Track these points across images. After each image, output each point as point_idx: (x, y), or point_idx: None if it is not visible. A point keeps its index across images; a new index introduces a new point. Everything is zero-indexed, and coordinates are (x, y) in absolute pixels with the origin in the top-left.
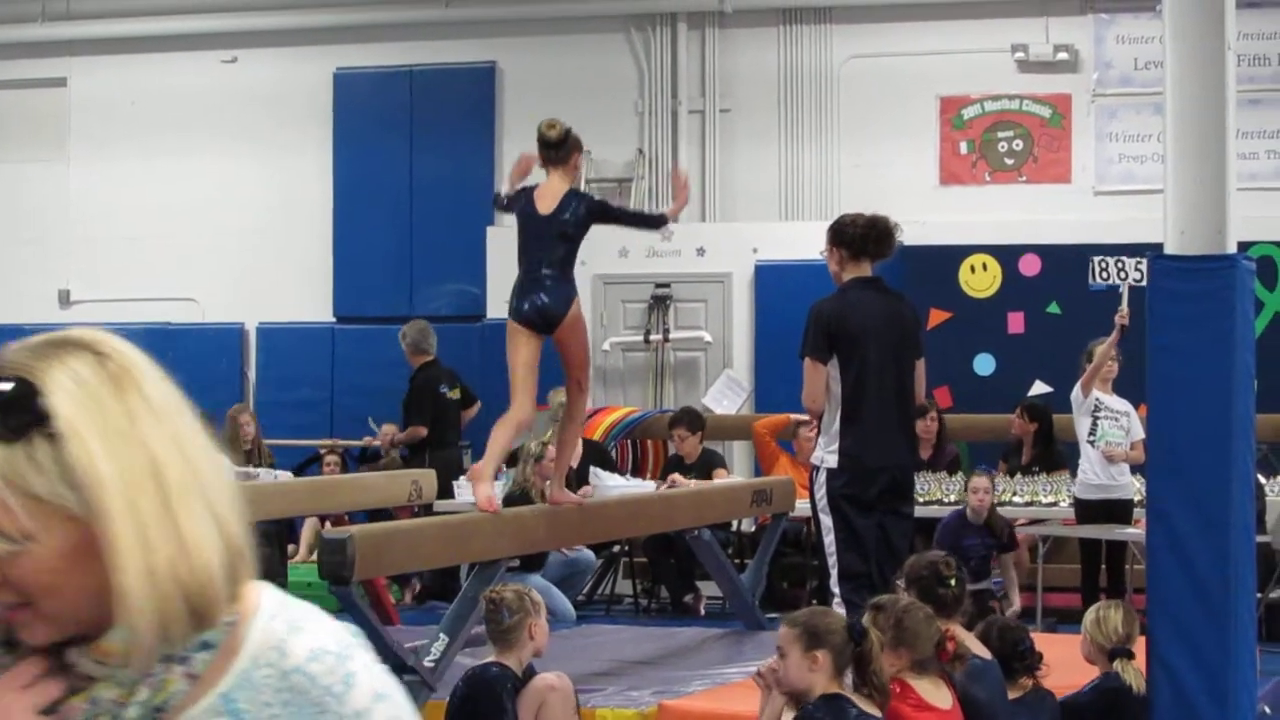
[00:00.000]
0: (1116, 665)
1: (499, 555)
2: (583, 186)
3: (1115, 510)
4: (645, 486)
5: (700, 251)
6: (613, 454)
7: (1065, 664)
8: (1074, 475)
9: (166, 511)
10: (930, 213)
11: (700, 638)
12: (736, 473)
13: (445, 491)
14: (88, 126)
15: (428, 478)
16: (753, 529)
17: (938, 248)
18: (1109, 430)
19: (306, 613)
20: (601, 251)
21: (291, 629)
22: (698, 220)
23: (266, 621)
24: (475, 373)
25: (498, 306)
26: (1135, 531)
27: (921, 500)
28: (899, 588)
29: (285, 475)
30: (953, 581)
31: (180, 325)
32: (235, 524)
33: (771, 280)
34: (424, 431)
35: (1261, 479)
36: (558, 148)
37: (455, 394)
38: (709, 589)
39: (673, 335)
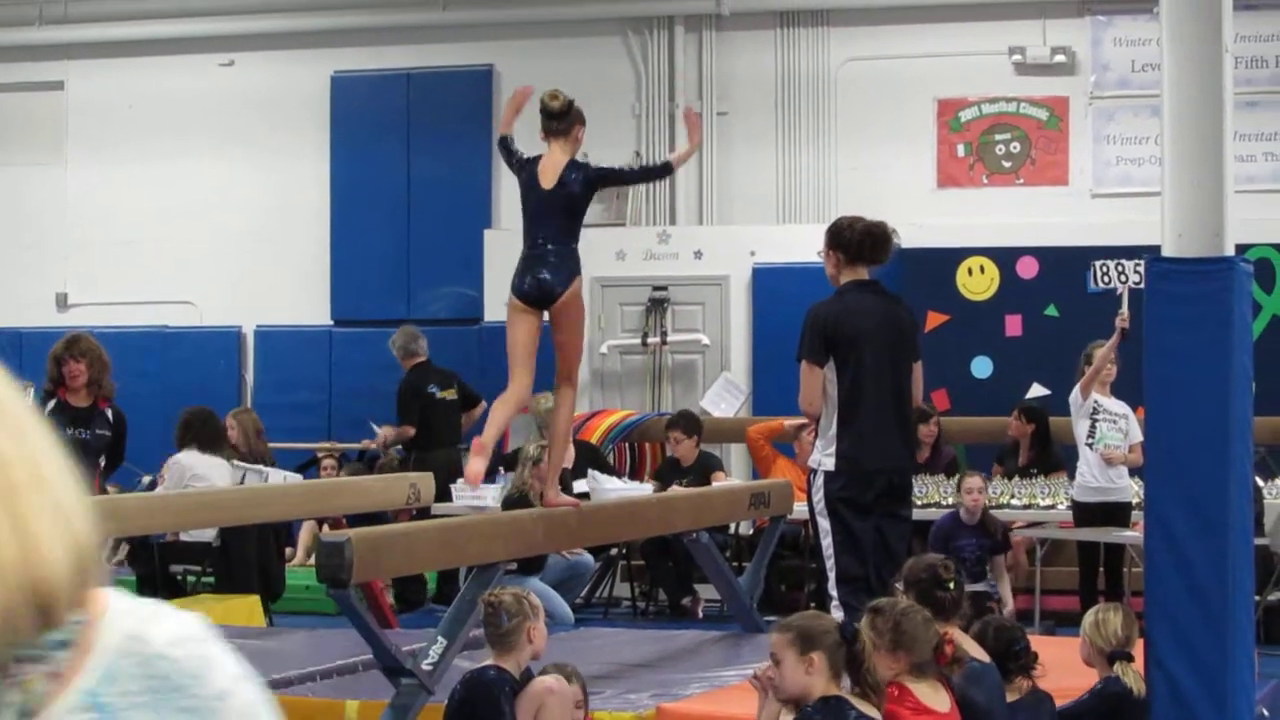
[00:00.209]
0: (1116, 668)
1: (497, 558)
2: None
3: (1113, 513)
4: (643, 489)
5: (698, 254)
6: (610, 457)
7: (1064, 667)
8: (1072, 477)
9: (11, 509)
10: (927, 215)
11: (698, 641)
12: (734, 476)
13: (444, 494)
14: (85, 130)
15: (425, 480)
16: (750, 532)
17: (935, 250)
18: (1107, 433)
19: (159, 605)
20: (599, 254)
21: (147, 619)
22: (695, 223)
23: (120, 616)
24: (474, 375)
25: (496, 309)
26: (1133, 534)
27: (919, 503)
28: (897, 591)
29: (295, 477)
30: (951, 584)
31: (178, 328)
32: (83, 525)
33: (769, 283)
34: (411, 431)
35: (1259, 481)
36: (560, 118)
37: (449, 394)
38: (707, 592)
39: (670, 338)
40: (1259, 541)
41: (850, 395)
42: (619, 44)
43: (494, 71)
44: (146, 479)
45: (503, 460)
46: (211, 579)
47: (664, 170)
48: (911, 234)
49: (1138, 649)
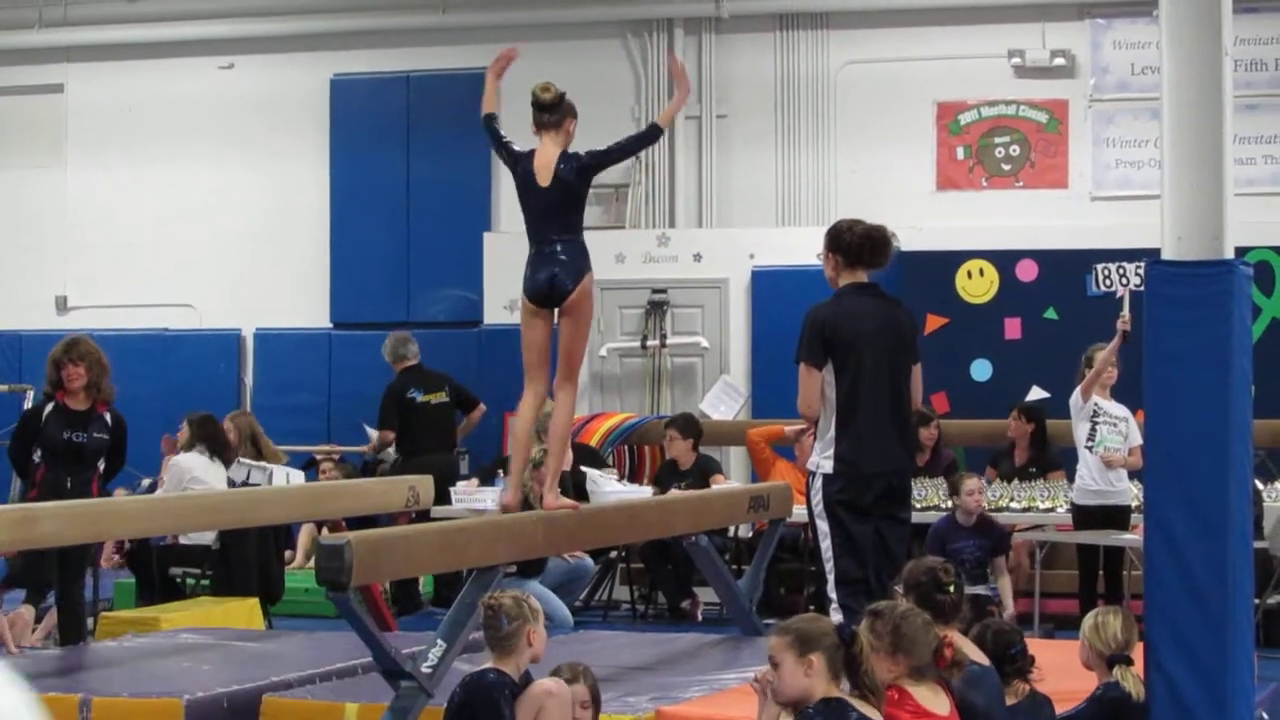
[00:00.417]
0: (1115, 672)
1: (496, 561)
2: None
3: (1113, 516)
4: (642, 492)
5: (697, 257)
6: (610, 460)
7: (1063, 670)
8: (1070, 477)
9: None
10: (927, 218)
11: (697, 644)
12: (733, 478)
13: (443, 497)
14: (85, 132)
15: (424, 483)
16: (750, 535)
17: (934, 253)
18: (1108, 436)
19: None
20: (598, 257)
21: None
22: (695, 226)
23: None
24: (473, 378)
25: (495, 312)
26: (1133, 537)
27: (918, 506)
28: (897, 594)
29: (298, 475)
30: (951, 588)
31: (178, 331)
32: None
33: (768, 286)
34: (390, 436)
35: (1259, 484)
36: (552, 110)
37: (435, 398)
38: (706, 595)
39: (670, 341)
40: (1258, 544)
41: (849, 398)
42: (618, 47)
43: None
44: (146, 481)
45: (502, 463)
46: (211, 582)
47: (653, 133)
48: (911, 237)
49: (1137, 652)
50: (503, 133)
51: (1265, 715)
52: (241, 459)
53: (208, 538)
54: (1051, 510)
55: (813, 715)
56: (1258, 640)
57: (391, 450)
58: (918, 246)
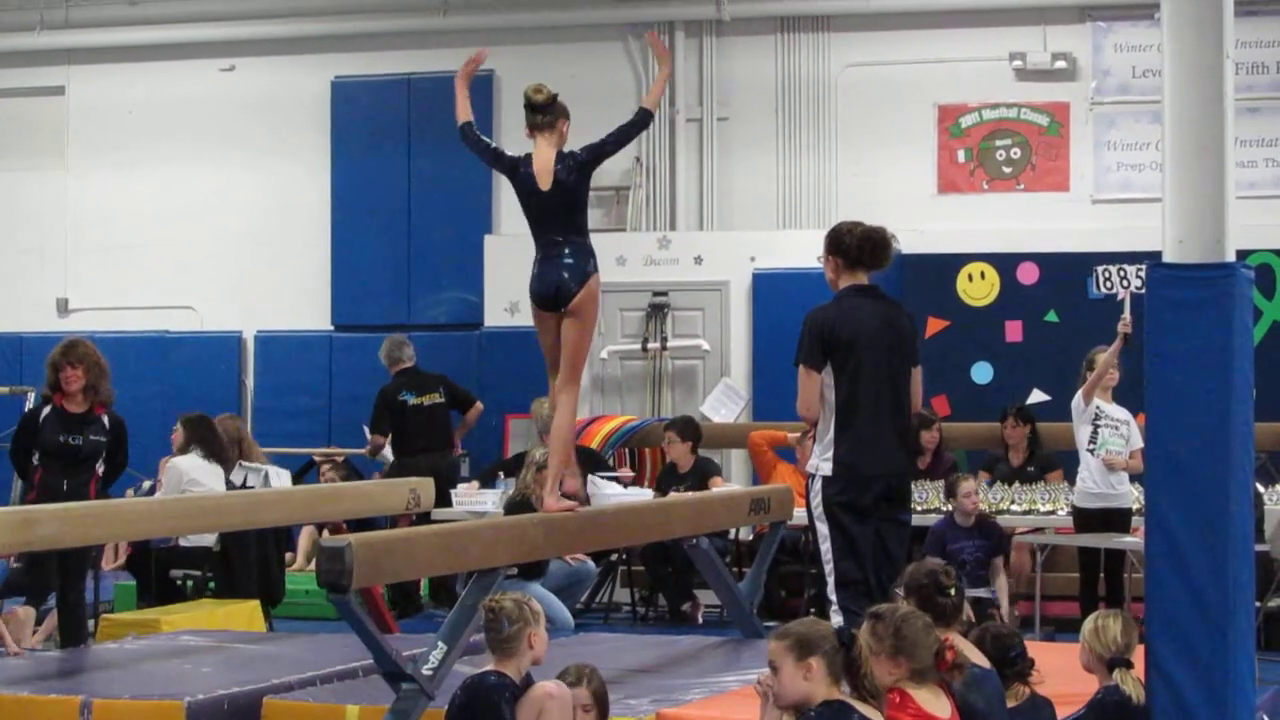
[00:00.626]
0: (1115, 675)
1: (497, 563)
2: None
3: (1114, 519)
4: (643, 495)
5: (698, 260)
6: (611, 462)
7: (1064, 673)
8: (1069, 476)
9: None
10: (928, 221)
11: (698, 646)
12: (734, 481)
13: (443, 500)
14: (86, 135)
15: (425, 485)
16: (751, 537)
17: (935, 256)
18: (1109, 439)
19: None
20: (599, 260)
21: None
22: (695, 228)
23: None
24: (474, 380)
25: (496, 314)
26: (1134, 540)
27: (920, 509)
28: (898, 596)
29: (285, 476)
30: (952, 590)
31: (178, 333)
32: None
33: (769, 289)
34: (382, 440)
35: (1260, 488)
36: (545, 111)
37: (428, 399)
38: (707, 597)
39: (670, 344)
40: (1259, 547)
41: (848, 400)
42: (620, 49)
43: (494, 77)
44: (147, 484)
45: (503, 465)
46: (212, 584)
47: (643, 118)
48: (912, 239)
49: (1137, 655)
50: (486, 138)
51: (1266, 718)
52: (242, 462)
53: (208, 540)
54: (1052, 513)
55: (814, 718)
56: (1258, 643)
57: (388, 452)
58: (918, 249)
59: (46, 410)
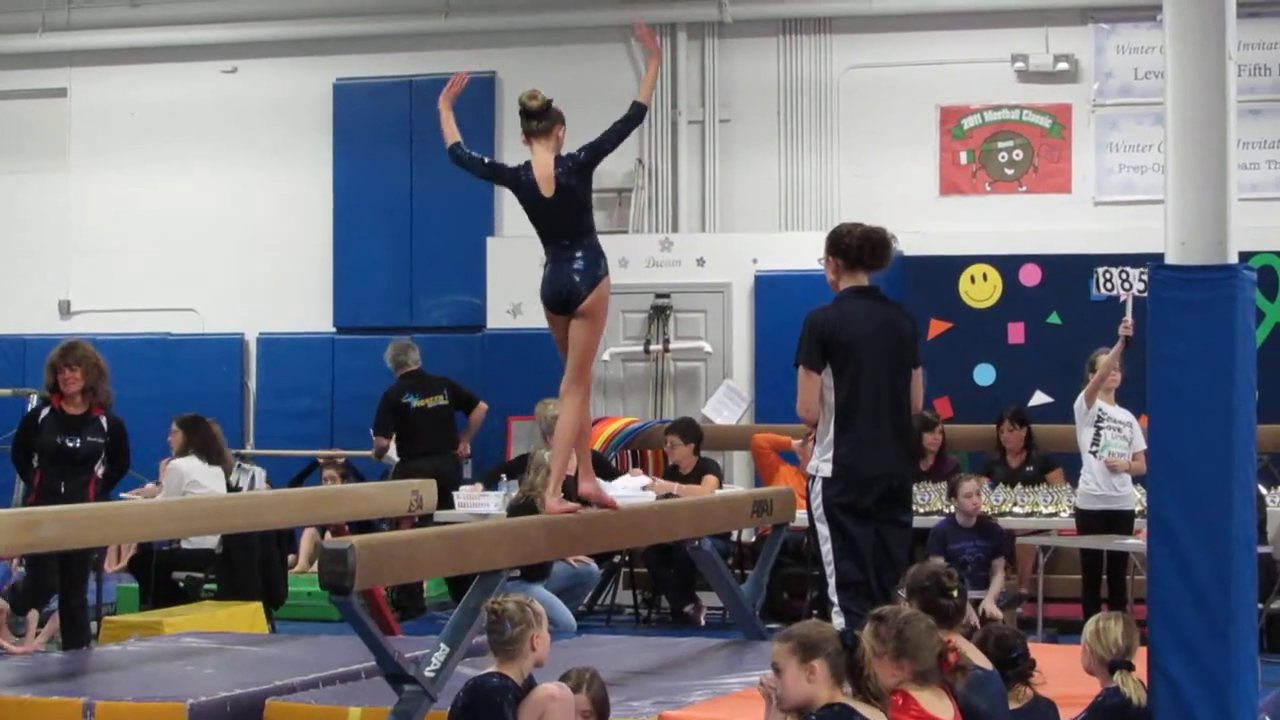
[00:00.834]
0: (1117, 677)
1: (499, 565)
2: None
3: (1116, 521)
4: (645, 497)
5: (700, 262)
6: (613, 463)
7: (1066, 675)
8: (1070, 477)
9: None
10: (930, 223)
11: (701, 648)
12: (737, 483)
13: (445, 502)
14: (88, 137)
15: (428, 487)
16: (753, 539)
17: (938, 258)
18: (1112, 441)
19: None
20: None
21: None
22: (698, 230)
23: None
24: (476, 382)
25: (498, 316)
26: (1136, 542)
27: (922, 511)
28: (900, 598)
29: (261, 474)
30: (955, 592)
31: (181, 335)
32: None
33: (771, 290)
34: (385, 443)
35: (1262, 489)
36: (540, 117)
37: (431, 401)
38: (709, 599)
39: (672, 345)
40: (1262, 549)
41: (848, 401)
42: (622, 51)
43: (497, 78)
44: (150, 485)
45: (506, 468)
46: (214, 586)
47: (638, 113)
48: (914, 241)
49: (1139, 658)
50: (477, 155)
51: None
52: (242, 465)
53: (210, 542)
54: (1055, 515)
55: None
56: (1261, 645)
57: (393, 455)
58: (921, 251)
59: (45, 412)
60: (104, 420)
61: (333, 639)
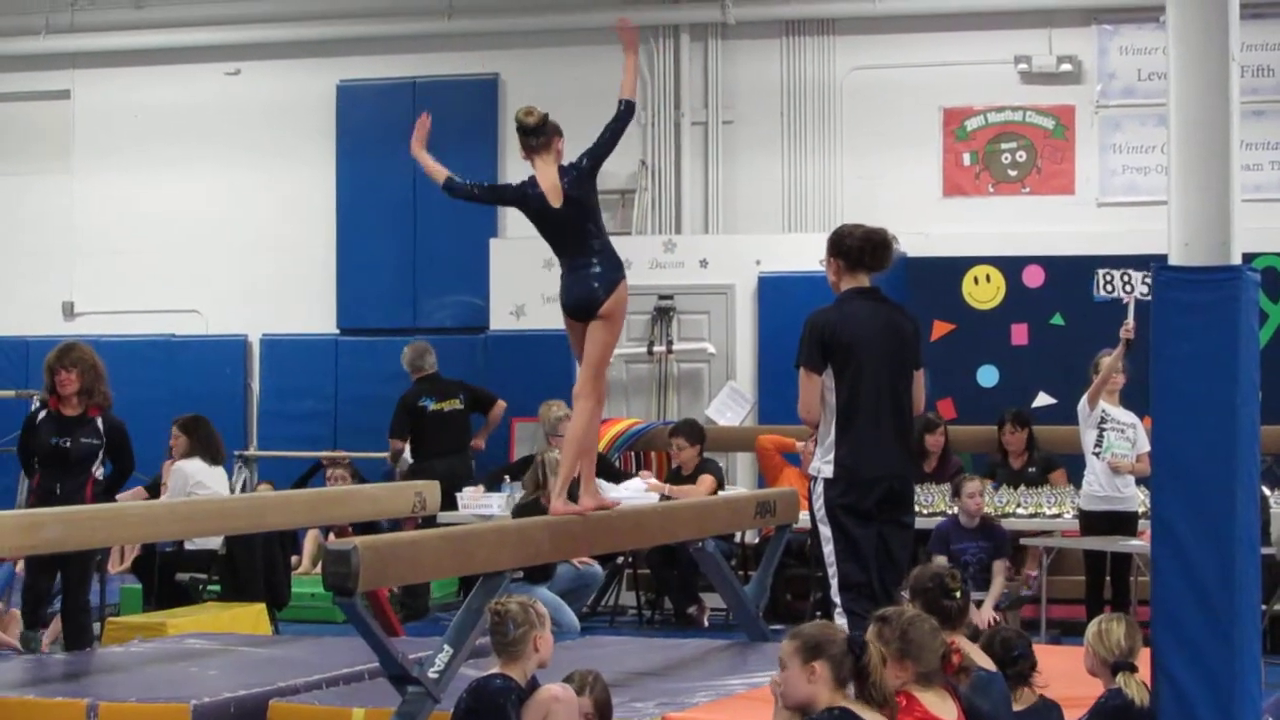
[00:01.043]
0: (1119, 679)
1: (502, 567)
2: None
3: (1120, 522)
4: (649, 498)
5: (703, 263)
6: (617, 465)
7: (1070, 676)
8: (1073, 478)
9: None
10: (933, 224)
11: (704, 649)
12: (740, 485)
13: (450, 503)
14: (91, 138)
15: (431, 489)
16: (756, 540)
17: (941, 259)
18: (1115, 442)
19: None
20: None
21: None
22: (701, 232)
23: None
24: (479, 384)
25: (501, 318)
26: (1140, 543)
27: (925, 512)
28: (903, 599)
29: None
30: (958, 593)
31: (184, 337)
32: None
33: (775, 292)
34: (401, 445)
35: (1266, 491)
36: (537, 133)
37: (447, 405)
38: (713, 601)
39: (676, 347)
40: (1266, 551)
41: (848, 403)
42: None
43: (499, 80)
44: (138, 489)
45: (509, 469)
46: (217, 587)
47: (628, 111)
48: (917, 243)
49: (1142, 659)
50: (472, 183)
51: None
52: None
53: (214, 543)
54: (1058, 516)
55: None
56: (1265, 646)
57: (407, 457)
58: (924, 252)
59: (42, 413)
60: (100, 422)
61: (336, 640)
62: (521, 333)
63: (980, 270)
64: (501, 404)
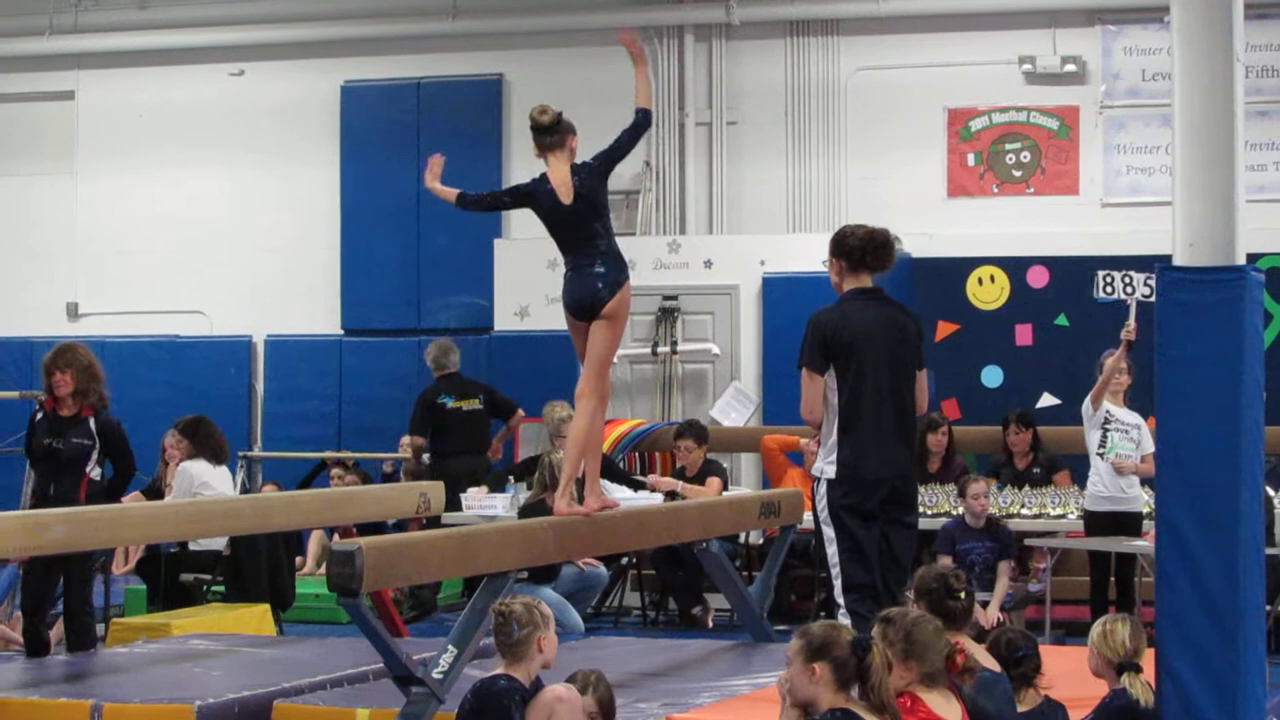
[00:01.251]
0: (1124, 679)
1: (507, 567)
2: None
3: (1124, 522)
4: (653, 499)
5: (708, 264)
6: (621, 466)
7: (1074, 677)
8: (1078, 479)
9: None
10: (938, 225)
11: (708, 650)
12: (744, 485)
13: (454, 504)
14: (96, 139)
15: (436, 490)
16: (761, 541)
17: (945, 260)
18: (1119, 442)
19: None
20: None
21: None
22: (705, 233)
23: None
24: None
25: (505, 318)
26: (1144, 544)
27: (929, 513)
28: (908, 600)
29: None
30: (962, 594)
31: (188, 338)
32: None
33: (779, 292)
34: (421, 442)
35: (1270, 491)
36: (551, 131)
37: (466, 404)
38: (717, 601)
39: (680, 348)
40: (1270, 551)
41: (850, 403)
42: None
43: (504, 80)
44: (136, 493)
45: (513, 470)
46: (222, 588)
47: (644, 118)
48: (921, 243)
49: (1146, 660)
50: (483, 193)
51: None
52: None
53: (218, 544)
54: (1063, 517)
55: None
56: (1269, 647)
57: (425, 455)
58: (928, 253)
59: (39, 416)
60: (92, 422)
61: (340, 641)
62: (526, 333)
63: (984, 271)
64: (521, 413)
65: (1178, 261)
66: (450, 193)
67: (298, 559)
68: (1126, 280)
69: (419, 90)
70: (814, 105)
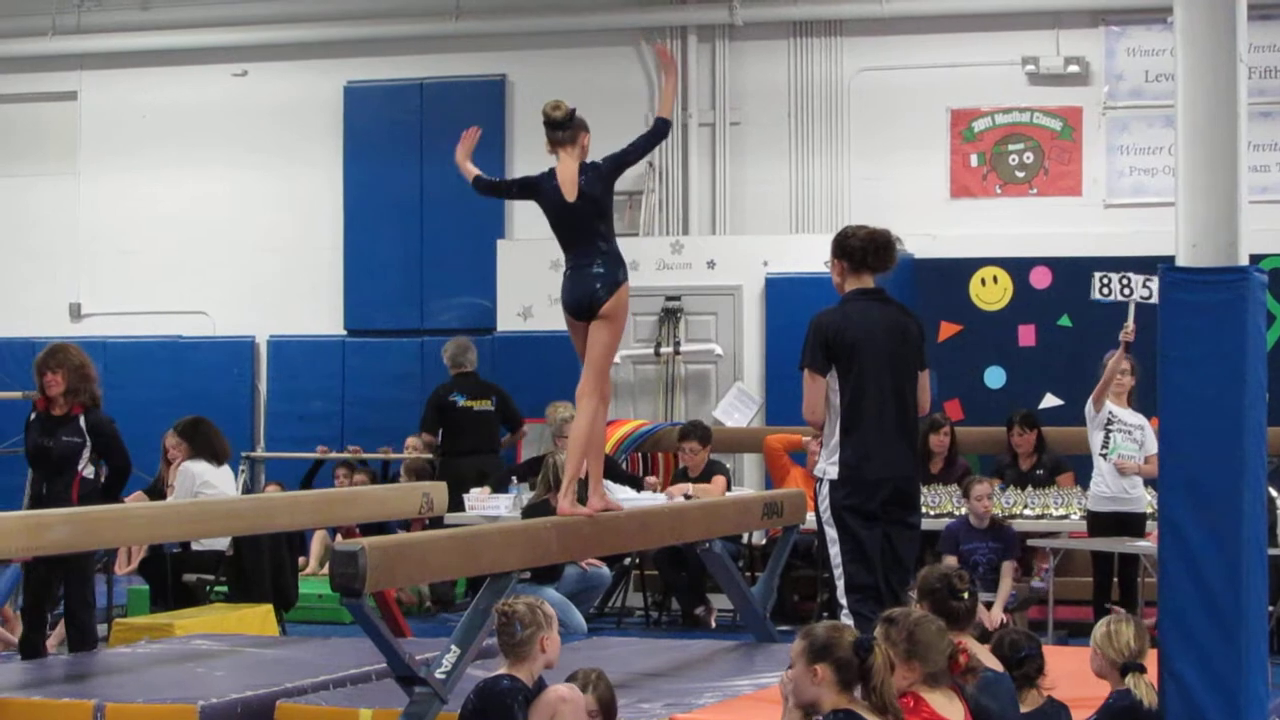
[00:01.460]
0: (1128, 680)
1: (510, 567)
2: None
3: (1127, 523)
4: (655, 499)
5: (711, 264)
6: (623, 467)
7: (1077, 677)
8: (1081, 480)
9: None
10: (941, 225)
11: (711, 650)
12: (747, 485)
13: (457, 504)
14: (98, 140)
15: (438, 490)
16: (763, 541)
17: (948, 260)
18: (1121, 443)
19: None
20: None
21: None
22: (708, 233)
23: None
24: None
25: (508, 319)
26: (1147, 544)
27: (933, 513)
28: (911, 600)
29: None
30: (965, 594)
31: (191, 338)
32: None
33: (782, 293)
34: (431, 439)
35: (1273, 492)
36: (563, 127)
37: (478, 404)
38: (720, 601)
39: (683, 348)
40: (1273, 552)
41: (852, 404)
42: (632, 54)
43: (506, 81)
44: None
45: (516, 470)
46: (225, 588)
47: (662, 128)
48: (924, 244)
49: (1149, 660)
50: (496, 178)
51: None
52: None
53: (221, 544)
54: (1066, 517)
55: None
56: (1272, 648)
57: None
58: (931, 254)
59: (32, 416)
60: (82, 420)
61: (343, 641)
62: (529, 334)
63: (987, 271)
64: (525, 430)
65: (1180, 262)
66: (472, 171)
67: (300, 559)
68: (1124, 281)
69: (422, 91)
70: (817, 106)
